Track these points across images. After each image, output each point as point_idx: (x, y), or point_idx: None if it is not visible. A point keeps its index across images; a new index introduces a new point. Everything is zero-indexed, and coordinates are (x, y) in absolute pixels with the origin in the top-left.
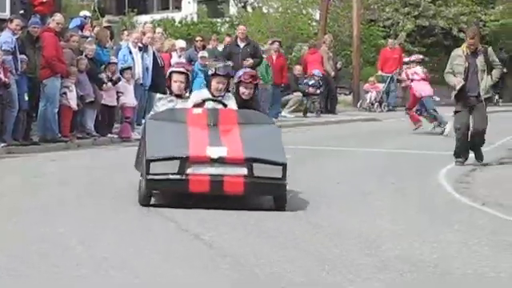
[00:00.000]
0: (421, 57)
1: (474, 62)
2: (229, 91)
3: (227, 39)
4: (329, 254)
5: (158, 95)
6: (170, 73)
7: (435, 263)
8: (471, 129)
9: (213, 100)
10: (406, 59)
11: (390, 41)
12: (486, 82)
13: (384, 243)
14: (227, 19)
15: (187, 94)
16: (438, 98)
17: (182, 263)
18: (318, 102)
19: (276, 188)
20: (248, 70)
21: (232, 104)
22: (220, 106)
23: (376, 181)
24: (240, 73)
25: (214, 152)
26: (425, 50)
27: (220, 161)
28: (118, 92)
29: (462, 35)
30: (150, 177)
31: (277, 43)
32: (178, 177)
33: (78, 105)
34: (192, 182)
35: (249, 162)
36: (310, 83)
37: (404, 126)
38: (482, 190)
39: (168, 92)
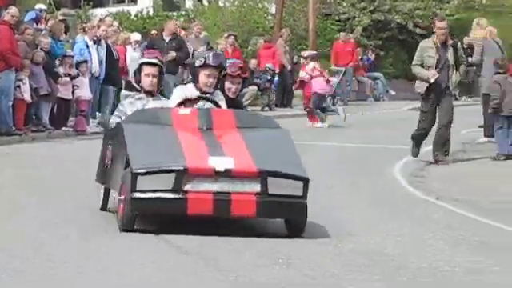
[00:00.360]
0: (314, 52)
1: (445, 55)
2: (218, 88)
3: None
4: (285, 248)
5: (124, 92)
6: (141, 64)
7: (391, 257)
8: (436, 123)
9: (204, 98)
10: (304, 53)
11: (342, 34)
12: (455, 77)
13: (340, 237)
14: (183, 13)
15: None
16: (393, 92)
17: (164, 269)
18: (272, 96)
19: (295, 209)
20: (235, 60)
21: (222, 104)
22: (208, 105)
23: (332, 175)
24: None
25: (219, 163)
26: (380, 43)
27: (226, 174)
28: (73, 85)
29: (418, 30)
30: (136, 195)
31: (232, 37)
32: (173, 195)
33: (32, 97)
34: (191, 202)
35: (263, 175)
36: (269, 78)
37: (359, 119)
38: (436, 184)
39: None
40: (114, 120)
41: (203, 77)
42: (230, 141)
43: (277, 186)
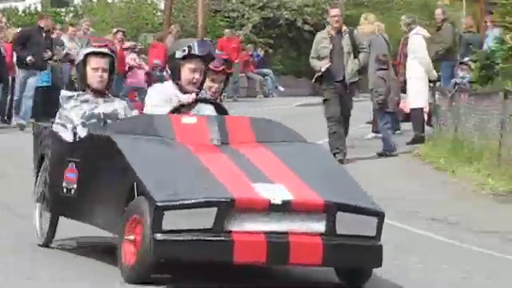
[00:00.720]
0: (134, 43)
1: (340, 44)
2: (201, 88)
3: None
4: None
5: (65, 93)
6: (86, 56)
7: None
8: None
9: (206, 101)
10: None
11: (226, 30)
12: (352, 65)
13: None
14: (71, 9)
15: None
16: (282, 89)
17: None
18: None
19: (368, 255)
20: (217, 52)
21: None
22: (195, 110)
23: None
24: None
25: (272, 193)
26: (270, 40)
27: (283, 208)
28: None
29: (306, 27)
30: (161, 236)
31: (121, 33)
32: (214, 236)
33: None
34: (239, 246)
35: (330, 210)
36: (158, 74)
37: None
38: None
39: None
40: (56, 128)
41: (187, 72)
42: (265, 160)
43: (346, 224)
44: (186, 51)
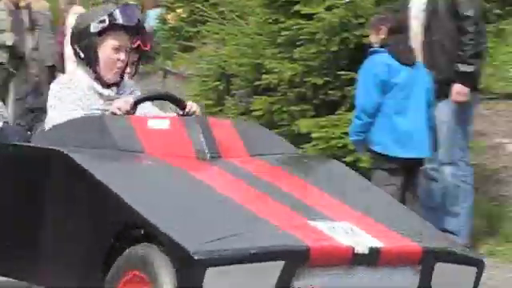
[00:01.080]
0: None
1: (18, 19)
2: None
3: None
4: None
5: None
6: None
7: None
8: None
9: (152, 99)
10: None
11: None
12: (33, 42)
13: None
14: None
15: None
16: None
17: None
18: None
19: None
20: None
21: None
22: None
23: None
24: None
25: (351, 237)
26: None
27: (367, 260)
28: None
29: None
30: None
31: None
32: None
33: None
34: None
35: (427, 260)
36: None
37: None
38: None
39: None
40: None
41: (108, 51)
42: (294, 184)
43: (440, 278)
44: (107, 21)
